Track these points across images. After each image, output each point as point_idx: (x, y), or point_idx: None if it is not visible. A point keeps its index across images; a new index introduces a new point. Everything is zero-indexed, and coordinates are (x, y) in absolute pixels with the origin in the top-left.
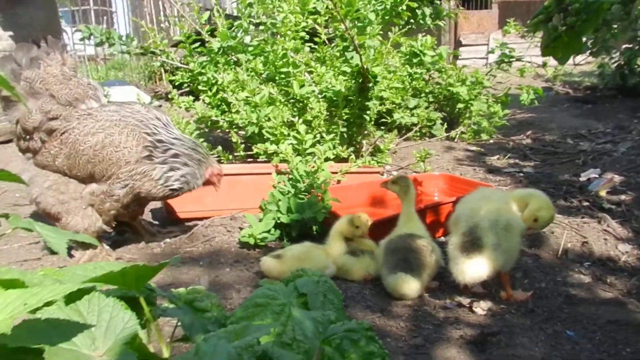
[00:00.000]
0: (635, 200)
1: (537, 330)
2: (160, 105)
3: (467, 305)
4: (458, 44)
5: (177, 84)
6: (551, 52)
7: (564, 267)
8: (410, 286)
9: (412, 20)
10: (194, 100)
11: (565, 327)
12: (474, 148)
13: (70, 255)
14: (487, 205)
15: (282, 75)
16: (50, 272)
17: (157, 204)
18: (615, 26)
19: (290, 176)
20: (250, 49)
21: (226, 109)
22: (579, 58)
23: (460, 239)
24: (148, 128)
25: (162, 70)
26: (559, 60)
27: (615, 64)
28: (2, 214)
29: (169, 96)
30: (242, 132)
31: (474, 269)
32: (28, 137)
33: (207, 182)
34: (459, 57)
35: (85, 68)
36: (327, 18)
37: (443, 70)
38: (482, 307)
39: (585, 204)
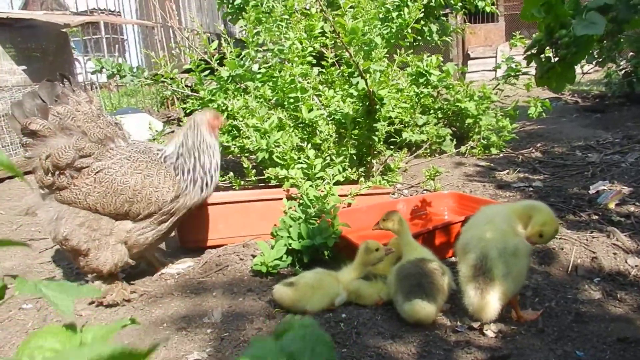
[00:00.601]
0: None
1: (547, 351)
2: (173, 131)
3: (478, 328)
4: (466, 57)
5: (188, 111)
6: (546, 82)
7: (574, 283)
8: (427, 311)
9: (419, 38)
10: None
11: (575, 346)
12: (483, 163)
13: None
14: (493, 230)
15: (291, 100)
16: None
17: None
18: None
19: (301, 201)
20: (258, 76)
21: (237, 135)
22: (587, 67)
23: (471, 272)
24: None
25: (175, 96)
26: (554, 89)
27: (623, 72)
28: (9, 274)
29: (181, 123)
30: (253, 157)
31: (490, 307)
32: (57, 173)
33: (213, 128)
34: (468, 71)
35: (98, 96)
36: (333, 41)
37: (451, 86)
38: (492, 330)
39: (595, 217)
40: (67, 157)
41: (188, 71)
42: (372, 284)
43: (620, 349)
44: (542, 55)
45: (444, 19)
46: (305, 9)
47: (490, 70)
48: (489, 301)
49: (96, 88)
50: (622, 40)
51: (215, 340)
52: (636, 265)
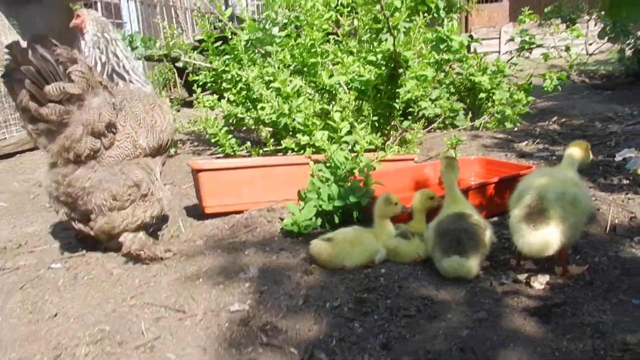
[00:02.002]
0: None
1: (601, 300)
2: (179, 110)
3: (524, 281)
4: (470, 38)
5: (200, 83)
6: (615, 12)
7: (615, 242)
8: (466, 268)
9: (426, 14)
10: (218, 99)
11: (629, 296)
12: (500, 135)
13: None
14: (552, 178)
15: (310, 67)
16: None
17: (192, 200)
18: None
19: (329, 164)
20: (277, 40)
21: (251, 107)
22: (592, 47)
23: (524, 211)
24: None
25: (177, 77)
26: (624, 19)
27: (632, 50)
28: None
29: (188, 99)
30: (267, 129)
31: (542, 240)
32: (107, 132)
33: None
34: (470, 52)
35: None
36: (349, 10)
37: (464, 59)
38: (539, 282)
39: (626, 182)
40: (113, 113)
41: (195, 48)
42: (410, 241)
43: None
44: None
45: None
46: None
47: (494, 52)
48: (542, 234)
49: None
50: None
51: (255, 293)
52: None
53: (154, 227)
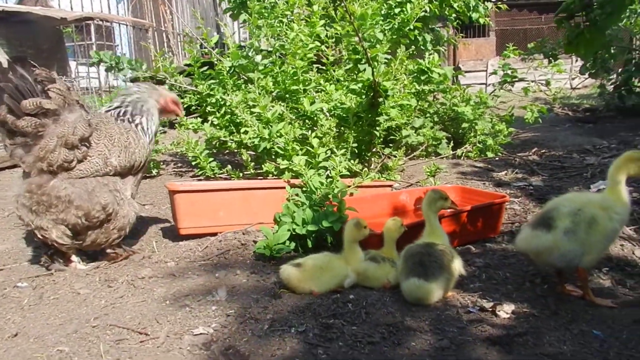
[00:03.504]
0: None
1: (564, 330)
2: (164, 132)
3: (490, 309)
4: (457, 70)
5: (185, 106)
6: (574, 49)
7: None
8: (424, 290)
9: (413, 46)
10: (202, 122)
11: (591, 327)
12: (480, 165)
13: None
14: (578, 197)
15: (292, 94)
16: None
17: (171, 221)
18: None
19: (305, 188)
20: (260, 67)
21: (234, 130)
22: (576, 82)
23: (535, 218)
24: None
25: None
26: (582, 56)
27: (613, 85)
28: None
29: (174, 121)
30: (250, 152)
31: (528, 236)
32: (80, 145)
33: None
34: (456, 82)
35: (92, 99)
36: (334, 40)
37: (448, 90)
38: (505, 311)
39: None
40: (89, 128)
41: (183, 72)
42: (380, 266)
43: (637, 329)
44: (572, 21)
45: (438, 29)
46: (305, 15)
47: (480, 84)
48: (533, 234)
49: (87, 90)
50: (614, 51)
51: (221, 316)
52: None
53: (126, 244)
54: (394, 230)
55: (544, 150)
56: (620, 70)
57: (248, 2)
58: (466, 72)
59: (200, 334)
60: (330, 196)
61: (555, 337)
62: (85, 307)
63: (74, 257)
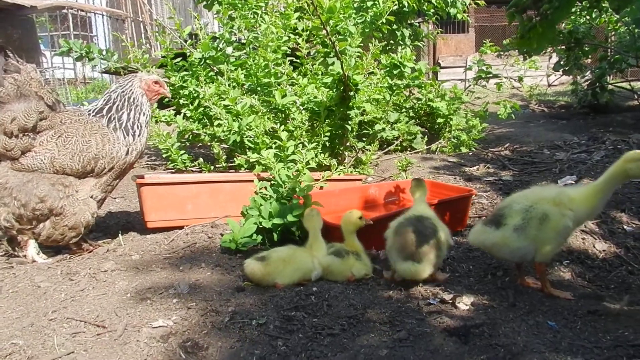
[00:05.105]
0: (610, 203)
1: (519, 321)
2: None
3: (450, 301)
4: (437, 65)
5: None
6: (526, 43)
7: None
8: (418, 270)
9: (392, 41)
10: (175, 115)
11: (546, 318)
12: (453, 159)
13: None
14: (534, 194)
15: (264, 86)
16: None
17: (137, 215)
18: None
19: (273, 182)
20: (232, 60)
21: (207, 123)
22: (552, 78)
23: (490, 216)
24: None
25: None
26: (534, 50)
27: (587, 82)
28: None
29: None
30: (223, 145)
31: (478, 232)
32: (21, 135)
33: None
34: (438, 79)
35: (65, 90)
36: (308, 33)
37: (423, 85)
38: (464, 302)
39: None
40: (33, 119)
41: (160, 65)
42: (344, 260)
43: (591, 320)
44: (524, 15)
45: (417, 25)
46: (279, 8)
47: (460, 80)
48: (481, 230)
49: (62, 81)
50: (587, 48)
51: (181, 309)
52: (604, 250)
53: (92, 238)
54: (349, 223)
55: (516, 146)
56: (593, 67)
57: None
58: (446, 67)
59: (160, 326)
60: (296, 189)
61: (510, 328)
62: (44, 301)
63: (31, 245)
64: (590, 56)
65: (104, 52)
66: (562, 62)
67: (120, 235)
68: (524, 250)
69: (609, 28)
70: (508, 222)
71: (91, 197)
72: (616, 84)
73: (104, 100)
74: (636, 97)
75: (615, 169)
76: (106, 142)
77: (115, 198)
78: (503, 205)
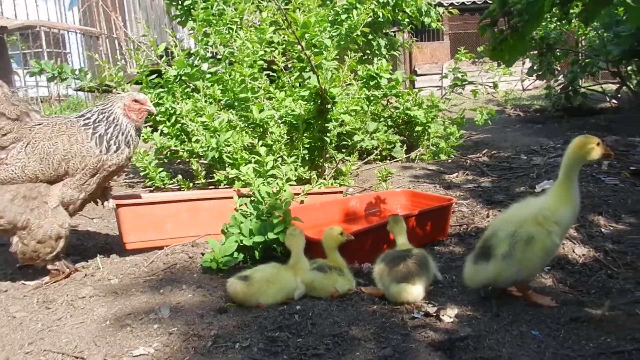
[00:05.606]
0: (587, 207)
1: (504, 332)
2: None
3: (434, 314)
4: (413, 73)
5: None
6: (498, 55)
7: None
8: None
9: (368, 51)
10: (152, 132)
11: (530, 327)
12: (432, 167)
13: None
14: (516, 215)
15: (242, 101)
16: None
17: (116, 236)
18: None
19: (252, 198)
20: (208, 76)
21: (185, 139)
22: (527, 83)
23: (476, 247)
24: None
25: None
26: (506, 62)
27: (560, 86)
28: None
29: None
30: (202, 161)
31: (472, 273)
32: None
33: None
34: (415, 87)
35: (39, 108)
36: (284, 47)
37: (400, 94)
38: (449, 315)
39: None
40: None
41: (135, 82)
42: (327, 275)
43: (574, 327)
44: (495, 28)
45: (392, 34)
46: (255, 23)
47: (436, 87)
48: (477, 269)
49: (36, 100)
50: (559, 53)
51: (163, 335)
52: (583, 254)
53: (69, 260)
54: (330, 239)
55: (494, 152)
56: (566, 71)
57: (192, 11)
58: (422, 75)
59: (140, 354)
60: (276, 207)
61: (494, 340)
62: (20, 332)
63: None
64: (562, 60)
65: (76, 72)
66: (535, 67)
67: (98, 258)
68: (515, 276)
69: (579, 33)
70: (497, 252)
71: (64, 199)
72: (588, 87)
73: (87, 110)
74: (608, 99)
75: (570, 158)
76: (74, 141)
77: (92, 219)
78: (488, 235)
